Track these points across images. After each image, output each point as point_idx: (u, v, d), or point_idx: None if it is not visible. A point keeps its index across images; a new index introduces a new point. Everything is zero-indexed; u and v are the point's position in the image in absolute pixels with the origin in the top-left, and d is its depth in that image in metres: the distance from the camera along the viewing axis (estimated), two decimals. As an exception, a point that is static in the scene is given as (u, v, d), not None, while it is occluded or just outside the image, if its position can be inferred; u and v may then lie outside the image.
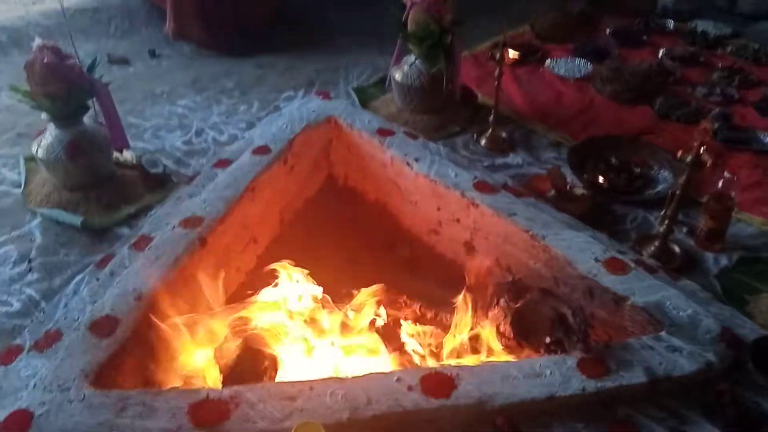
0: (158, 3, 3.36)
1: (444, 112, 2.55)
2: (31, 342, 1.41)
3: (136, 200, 2.10)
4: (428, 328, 1.70)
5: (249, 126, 2.60)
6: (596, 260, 1.56)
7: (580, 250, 1.60)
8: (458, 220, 1.91)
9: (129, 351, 1.27)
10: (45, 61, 1.81)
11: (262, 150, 1.96)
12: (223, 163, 1.97)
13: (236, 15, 3.28)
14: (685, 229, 1.95)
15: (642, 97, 2.68)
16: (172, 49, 3.32)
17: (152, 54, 3.23)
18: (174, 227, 1.59)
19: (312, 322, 1.55)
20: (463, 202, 1.86)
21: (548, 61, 3.03)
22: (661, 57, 3.08)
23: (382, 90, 2.82)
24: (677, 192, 1.71)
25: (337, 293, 1.71)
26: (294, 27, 3.57)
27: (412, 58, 2.52)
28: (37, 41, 1.88)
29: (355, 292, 1.69)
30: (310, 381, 1.21)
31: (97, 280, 1.52)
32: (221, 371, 1.42)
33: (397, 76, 2.52)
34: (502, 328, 1.50)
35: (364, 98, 2.76)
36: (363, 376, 1.23)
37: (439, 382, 1.20)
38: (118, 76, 3.00)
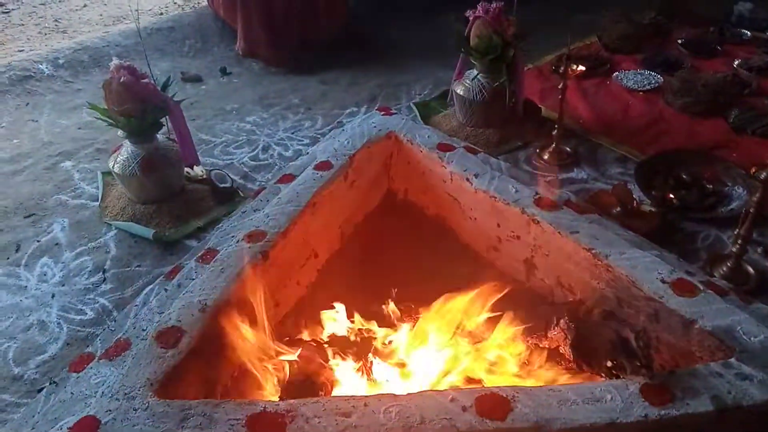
0: (230, 22, 3.48)
1: (506, 126, 2.53)
2: (101, 350, 1.47)
3: (205, 214, 2.19)
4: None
5: (313, 141, 2.66)
6: (663, 281, 1.50)
7: (646, 270, 1.55)
8: (518, 237, 1.88)
9: (193, 362, 1.32)
10: (121, 80, 1.92)
11: (324, 165, 1.99)
12: (287, 179, 2.01)
13: (302, 33, 3.36)
14: (759, 249, 1.86)
15: (715, 110, 2.58)
16: (242, 67, 3.44)
17: (223, 72, 3.35)
18: (238, 241, 1.64)
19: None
20: (523, 219, 1.83)
21: (616, 73, 2.96)
22: (737, 67, 2.96)
23: (443, 105, 2.83)
24: (751, 210, 1.64)
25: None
26: (358, 43, 3.63)
27: (474, 72, 2.51)
28: (115, 61, 1.99)
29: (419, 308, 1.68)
30: (364, 397, 1.22)
31: (166, 290, 1.58)
32: (279, 384, 1.45)
33: (459, 90, 2.52)
34: (561, 350, 1.46)
35: (426, 113, 2.77)
36: (417, 393, 1.23)
37: (494, 404, 1.19)
38: (191, 93, 3.13)
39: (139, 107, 1.99)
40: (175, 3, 4.27)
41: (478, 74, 2.49)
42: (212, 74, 3.37)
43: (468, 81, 2.51)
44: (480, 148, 2.19)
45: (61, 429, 1.14)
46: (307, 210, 1.78)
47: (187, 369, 1.29)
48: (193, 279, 1.56)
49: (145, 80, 1.99)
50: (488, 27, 2.36)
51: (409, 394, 1.23)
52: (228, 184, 2.30)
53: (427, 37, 3.66)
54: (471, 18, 2.42)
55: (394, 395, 1.24)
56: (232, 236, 1.72)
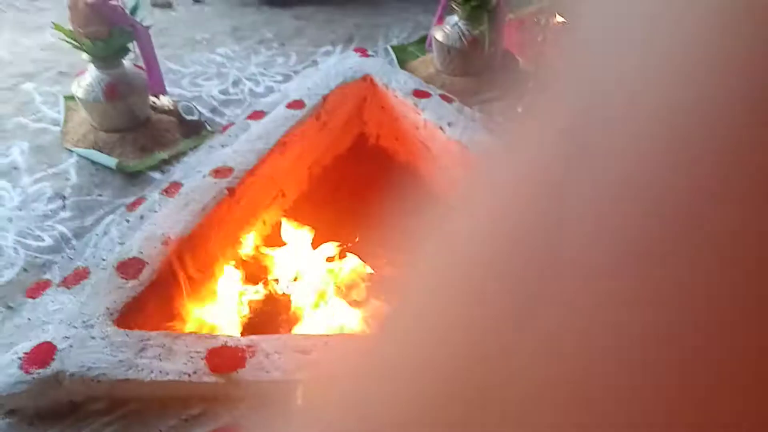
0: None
1: (483, 76, 2.50)
2: (59, 278, 1.45)
3: (170, 146, 2.13)
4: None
5: (286, 78, 2.59)
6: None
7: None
8: (488, 189, 1.89)
9: (153, 294, 1.31)
10: (89, 1, 1.83)
11: (296, 104, 1.95)
12: (257, 115, 1.98)
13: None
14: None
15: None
16: (213, -4, 3.32)
17: (195, 0, 3.22)
18: (204, 176, 1.61)
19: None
20: (494, 170, 1.84)
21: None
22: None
23: (421, 50, 2.78)
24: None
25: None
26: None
27: (455, 18, 2.47)
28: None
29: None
30: (325, 336, 1.23)
31: (127, 222, 1.56)
32: (241, 320, 1.45)
33: (438, 36, 2.47)
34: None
35: (403, 57, 2.72)
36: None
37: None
38: (160, 19, 3.01)
39: (106, 31, 1.90)
40: None
41: (458, 21, 2.44)
42: (183, 1, 3.24)
43: (448, 27, 2.46)
44: (455, 96, 2.17)
45: (16, 353, 1.13)
46: (276, 149, 1.76)
47: (147, 300, 1.29)
48: (156, 212, 1.53)
49: (114, 2, 1.90)
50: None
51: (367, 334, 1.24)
52: (195, 117, 2.24)
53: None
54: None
55: (352, 335, 1.25)
56: (198, 171, 1.69)
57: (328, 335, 1.21)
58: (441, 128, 1.95)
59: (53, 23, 2.12)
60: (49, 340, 1.14)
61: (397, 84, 2.10)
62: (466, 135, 1.91)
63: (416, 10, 3.19)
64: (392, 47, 2.84)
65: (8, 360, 1.13)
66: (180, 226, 1.42)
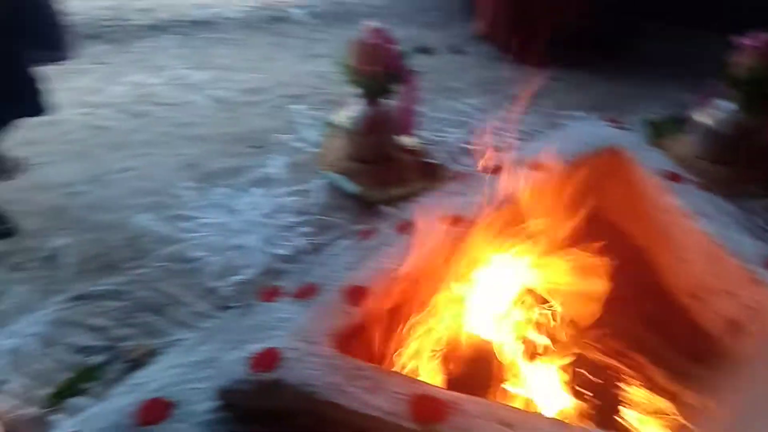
0: (477, 2, 3.46)
1: (750, 169, 2.25)
2: (291, 288, 1.56)
3: (407, 184, 2.22)
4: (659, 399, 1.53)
5: (526, 137, 2.57)
6: None
7: None
8: (731, 293, 1.68)
9: (373, 324, 1.35)
10: (373, 42, 1.99)
11: (538, 165, 1.93)
12: (496, 169, 1.98)
13: (544, 27, 3.26)
14: None
15: None
16: (474, 47, 3.44)
17: (455, 49, 3.37)
18: (437, 221, 1.64)
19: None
20: (743, 276, 1.63)
21: None
22: None
23: (678, 129, 2.59)
24: None
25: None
26: (596, 45, 3.44)
27: (726, 103, 2.27)
28: (370, 23, 2.07)
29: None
30: (532, 414, 1.17)
31: (360, 249, 1.64)
32: (448, 371, 1.45)
33: (703, 118, 2.29)
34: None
35: (657, 134, 2.56)
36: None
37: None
38: (420, 64, 3.19)
39: (381, 71, 2.06)
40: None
41: (730, 106, 2.24)
42: (444, 49, 3.40)
43: (716, 110, 2.26)
44: (713, 186, 1.98)
45: (246, 352, 1.23)
46: (509, 206, 1.74)
47: (366, 330, 1.33)
48: (388, 245, 1.59)
49: (393, 47, 2.05)
50: (762, 59, 2.10)
51: (580, 426, 1.16)
52: (435, 161, 2.33)
53: (675, 53, 3.37)
54: (744, 46, 2.17)
55: (561, 422, 1.18)
56: (432, 214, 1.73)
57: (538, 415, 1.15)
58: (691, 218, 1.79)
59: (335, 57, 2.34)
60: (276, 347, 1.23)
61: (648, 162, 1.98)
62: (720, 230, 1.72)
63: (675, 85, 3.00)
64: (646, 121, 2.69)
65: (237, 357, 1.23)
66: (409, 264, 1.46)
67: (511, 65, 3.28)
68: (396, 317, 1.42)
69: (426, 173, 2.28)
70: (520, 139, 2.55)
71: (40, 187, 2.16)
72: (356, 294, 1.38)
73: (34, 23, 1.83)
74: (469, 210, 1.69)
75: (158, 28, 3.38)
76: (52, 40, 1.92)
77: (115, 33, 3.29)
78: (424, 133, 2.57)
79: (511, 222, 1.72)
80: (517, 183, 1.76)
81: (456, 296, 1.57)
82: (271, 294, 1.55)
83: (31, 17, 1.82)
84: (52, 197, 2.12)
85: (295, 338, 1.26)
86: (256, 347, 1.24)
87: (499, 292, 1.64)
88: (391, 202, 2.15)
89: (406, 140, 2.36)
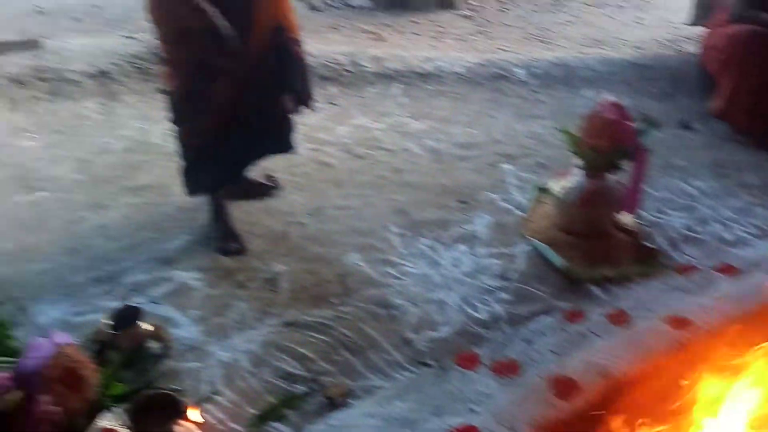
0: (714, 78, 3.22)
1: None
2: (488, 358, 1.53)
3: (618, 265, 2.09)
4: None
5: (763, 234, 2.31)
6: None
7: None
8: None
9: (579, 422, 1.27)
10: (608, 117, 1.92)
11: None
12: (728, 269, 1.80)
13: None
14: None
15: None
16: (705, 125, 3.19)
17: (684, 125, 3.16)
18: (658, 319, 1.52)
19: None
20: None
21: None
22: None
23: None
24: None
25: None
26: None
27: None
28: (607, 96, 2.00)
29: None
30: None
31: (565, 332, 1.57)
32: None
33: None
34: None
35: None
36: None
37: None
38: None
39: (609, 145, 1.98)
40: (656, 41, 4.16)
41: None
42: (670, 123, 3.19)
43: None
44: None
45: (446, 424, 1.22)
46: (750, 319, 1.56)
47: (572, 427, 1.26)
48: (599, 336, 1.51)
49: (629, 123, 1.96)
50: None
51: None
52: (653, 245, 2.17)
53: None
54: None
55: None
56: (650, 309, 1.61)
57: None
58: None
59: (555, 122, 2.30)
60: (477, 426, 1.20)
61: None
62: None
63: None
64: None
65: (437, 427, 1.22)
66: (624, 364, 1.37)
67: (748, 149, 2.99)
68: (602, 421, 1.32)
69: (641, 257, 2.13)
70: (754, 235, 2.32)
71: (267, 212, 2.36)
72: (565, 386, 1.31)
73: (294, 74, 2.08)
74: (698, 314, 1.54)
75: (386, 77, 3.56)
76: (304, 88, 2.16)
77: (347, 77, 3.54)
78: (642, 213, 2.42)
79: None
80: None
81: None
82: (468, 360, 1.53)
83: (293, 69, 2.07)
84: (277, 224, 2.30)
85: (496, 420, 1.23)
86: (457, 420, 1.23)
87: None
88: (599, 282, 2.03)
89: (623, 218, 2.23)
